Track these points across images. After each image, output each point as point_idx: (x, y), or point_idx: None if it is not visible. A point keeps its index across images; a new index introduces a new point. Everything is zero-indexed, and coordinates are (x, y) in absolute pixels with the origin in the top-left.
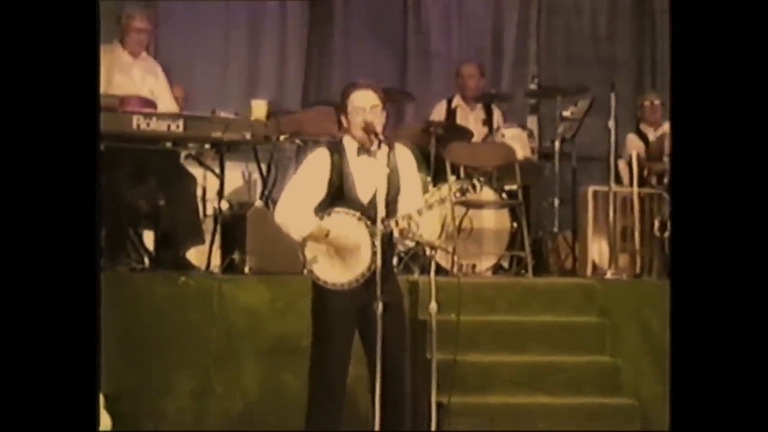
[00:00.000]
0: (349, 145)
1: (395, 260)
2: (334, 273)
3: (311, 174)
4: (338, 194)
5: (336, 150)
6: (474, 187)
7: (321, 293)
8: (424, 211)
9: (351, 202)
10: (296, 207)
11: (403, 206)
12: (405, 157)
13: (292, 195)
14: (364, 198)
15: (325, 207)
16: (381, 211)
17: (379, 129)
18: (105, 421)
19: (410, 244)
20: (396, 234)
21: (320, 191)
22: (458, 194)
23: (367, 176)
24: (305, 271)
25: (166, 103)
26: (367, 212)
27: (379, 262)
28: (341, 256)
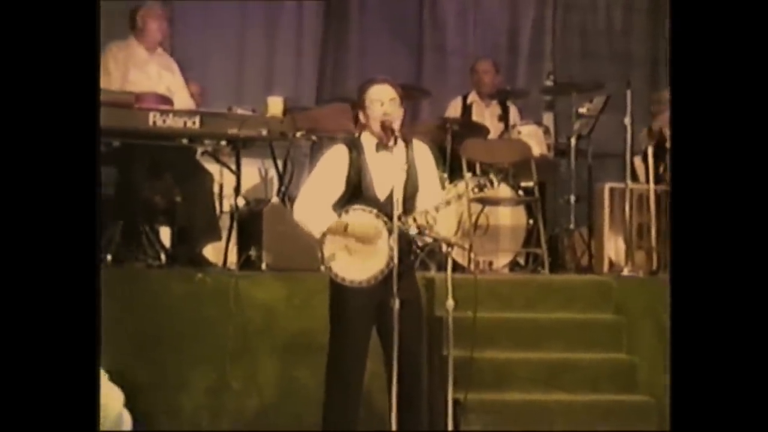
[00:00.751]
0: (368, 141)
1: (412, 257)
2: (352, 270)
3: (329, 170)
4: (356, 191)
5: (354, 146)
6: (491, 182)
7: (339, 290)
8: (442, 208)
9: (368, 199)
10: (315, 204)
11: (422, 203)
12: (423, 153)
13: (310, 192)
14: (382, 195)
15: (342, 204)
16: (398, 208)
17: (396, 123)
18: (126, 419)
19: (427, 240)
20: (413, 231)
21: (338, 188)
22: (476, 190)
23: (385, 173)
24: (323, 268)
25: (183, 99)
26: (385, 209)
27: (396, 259)
28: (359, 253)
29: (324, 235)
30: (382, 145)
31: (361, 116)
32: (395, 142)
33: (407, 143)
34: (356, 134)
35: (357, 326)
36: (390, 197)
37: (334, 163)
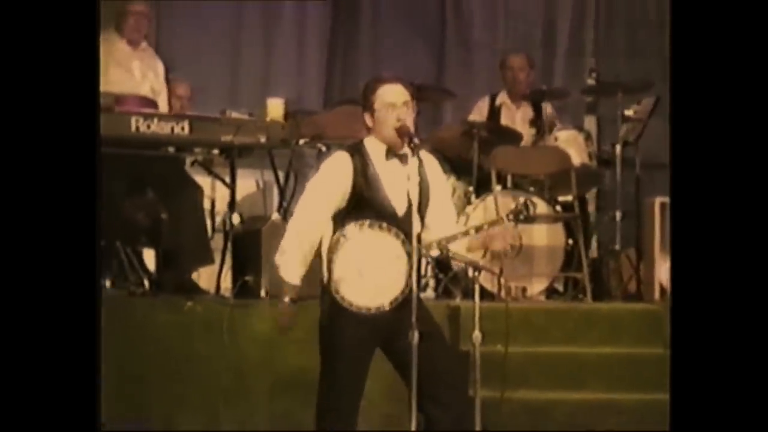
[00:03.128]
0: (374, 147)
1: (432, 282)
2: (363, 295)
3: (329, 180)
4: (362, 204)
5: (358, 153)
6: (528, 208)
7: (337, 316)
8: (459, 238)
9: (381, 214)
10: (314, 222)
11: (433, 219)
12: (432, 164)
13: (308, 205)
14: (399, 209)
15: (345, 219)
16: (417, 226)
17: (412, 130)
18: None
19: (455, 265)
20: (434, 252)
21: (338, 200)
22: (510, 217)
23: (398, 184)
24: (332, 291)
25: (162, 105)
26: (402, 226)
27: (415, 285)
28: (372, 276)
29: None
30: (393, 153)
31: (368, 120)
32: (413, 152)
33: (414, 153)
34: (359, 139)
35: (355, 362)
36: (408, 212)
37: (335, 173)
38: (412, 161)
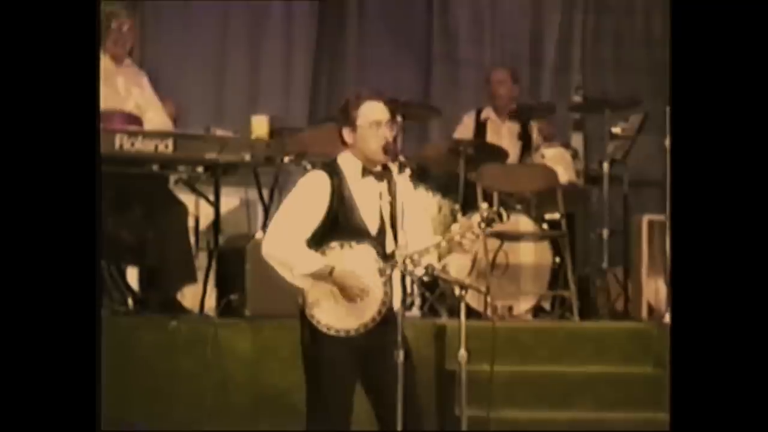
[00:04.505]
0: (350, 165)
1: (418, 300)
2: (338, 317)
3: (308, 200)
4: (337, 224)
5: (334, 172)
6: (500, 216)
7: (315, 340)
8: (431, 251)
9: (355, 232)
10: (294, 239)
11: (410, 238)
12: (405, 181)
13: (288, 225)
14: (372, 228)
15: (321, 239)
16: (392, 244)
17: (398, 147)
18: None
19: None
20: (419, 271)
21: (317, 221)
22: (482, 225)
23: (373, 202)
24: (308, 316)
25: (156, 117)
26: (376, 245)
27: (396, 304)
28: (347, 298)
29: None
30: (368, 171)
31: (347, 136)
32: (400, 169)
33: (401, 170)
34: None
35: (339, 382)
36: (382, 231)
37: (313, 192)
38: (389, 179)
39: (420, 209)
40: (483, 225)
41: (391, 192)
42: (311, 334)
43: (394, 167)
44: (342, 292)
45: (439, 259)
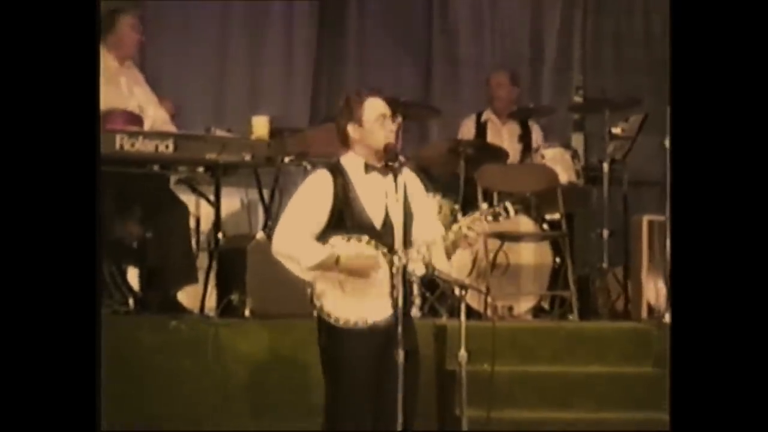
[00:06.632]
0: (353, 164)
1: (418, 300)
2: (347, 309)
3: (313, 198)
4: (343, 222)
5: (338, 171)
6: (506, 210)
7: (334, 335)
8: (438, 244)
9: (361, 228)
10: (300, 235)
11: (419, 234)
12: (412, 178)
13: (294, 222)
14: (378, 222)
15: (327, 236)
16: (400, 241)
17: (398, 147)
18: None
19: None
20: (420, 270)
21: (323, 219)
22: (489, 219)
23: (378, 198)
24: (314, 309)
25: (156, 115)
26: (383, 240)
27: (401, 299)
28: (356, 290)
29: (314, 269)
30: (372, 168)
31: (352, 132)
32: (400, 168)
33: (399, 171)
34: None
35: (361, 379)
36: (387, 226)
37: (317, 190)
38: (394, 177)
39: (426, 201)
40: (490, 218)
41: (397, 186)
42: (327, 333)
43: (385, 163)
44: (353, 274)
45: (448, 256)
